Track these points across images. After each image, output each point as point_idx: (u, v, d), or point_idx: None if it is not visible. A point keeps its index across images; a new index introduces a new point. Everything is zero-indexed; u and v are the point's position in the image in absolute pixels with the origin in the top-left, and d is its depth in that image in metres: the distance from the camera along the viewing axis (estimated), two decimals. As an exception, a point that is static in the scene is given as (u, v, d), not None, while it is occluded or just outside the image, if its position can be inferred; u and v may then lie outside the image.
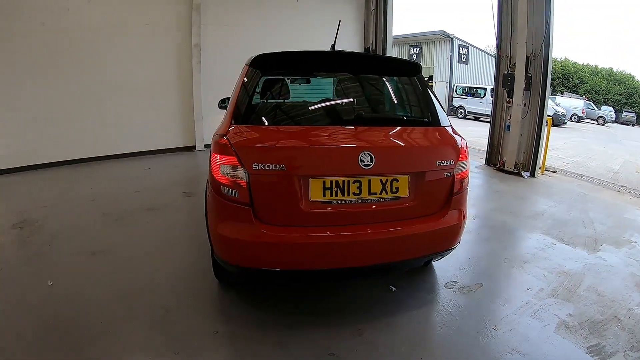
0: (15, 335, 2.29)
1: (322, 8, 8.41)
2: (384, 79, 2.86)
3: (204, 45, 7.55)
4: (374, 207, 2.23)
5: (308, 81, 3.11)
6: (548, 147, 6.86)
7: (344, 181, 2.16)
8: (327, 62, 2.69)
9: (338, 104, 2.94)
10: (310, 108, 2.75)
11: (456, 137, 2.55)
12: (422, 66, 2.90)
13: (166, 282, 2.91)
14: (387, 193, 2.23)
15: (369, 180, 2.20)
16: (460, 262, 3.35)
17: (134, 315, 2.51)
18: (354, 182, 2.18)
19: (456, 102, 21.27)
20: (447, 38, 22.65)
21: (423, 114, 2.71)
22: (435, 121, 2.60)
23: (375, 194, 2.22)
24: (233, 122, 2.30)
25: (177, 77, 7.59)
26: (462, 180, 2.52)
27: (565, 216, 4.77)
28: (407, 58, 20.58)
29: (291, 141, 2.22)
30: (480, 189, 6.04)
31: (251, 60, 2.58)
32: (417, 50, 24.29)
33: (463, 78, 23.40)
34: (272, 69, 2.59)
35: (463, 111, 20.82)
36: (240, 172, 2.10)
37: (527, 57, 6.21)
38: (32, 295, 2.70)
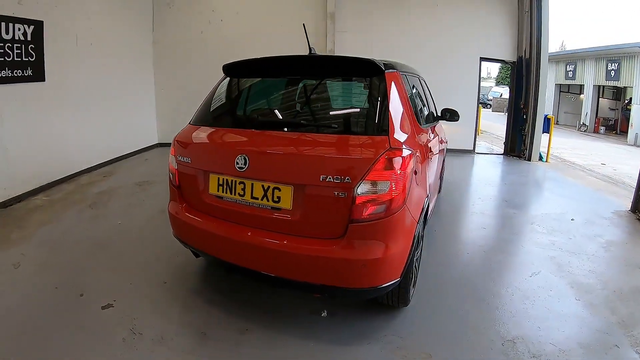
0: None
1: (464, 10, 7.41)
2: (330, 81, 2.47)
3: (339, 51, 7.52)
4: (255, 212, 2.16)
5: (267, 84, 2.79)
6: None
7: (232, 180, 2.22)
8: (277, 66, 2.56)
9: (261, 107, 2.70)
10: (235, 111, 2.69)
11: (380, 151, 1.96)
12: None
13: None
14: (268, 201, 2.12)
15: (252, 184, 2.15)
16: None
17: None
18: (239, 183, 2.20)
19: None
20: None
21: (346, 120, 2.30)
22: (368, 129, 2.12)
23: (257, 199, 2.14)
24: (190, 122, 2.63)
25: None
26: (368, 205, 1.92)
27: None
28: (604, 74, 16.83)
29: (198, 140, 2.45)
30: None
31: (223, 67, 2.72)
32: (616, 65, 19.70)
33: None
34: (233, 75, 2.70)
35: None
36: (174, 161, 2.50)
37: None
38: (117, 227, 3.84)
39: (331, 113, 2.39)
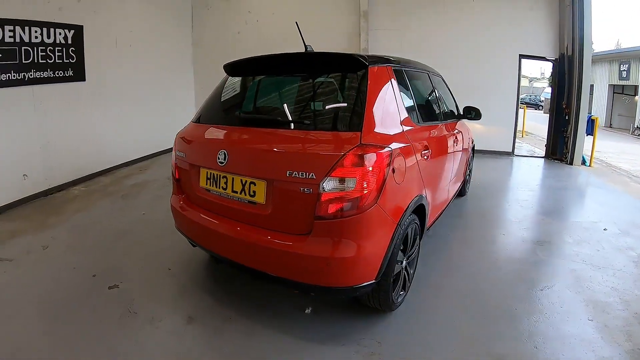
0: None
1: (503, 4, 7.02)
2: (312, 78, 2.44)
3: (373, 50, 7.46)
4: (236, 205, 2.24)
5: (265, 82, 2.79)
6: None
7: (217, 174, 2.31)
8: (263, 65, 2.60)
9: (245, 104, 2.74)
10: (223, 108, 2.74)
11: (349, 147, 1.93)
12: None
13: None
14: (245, 195, 2.19)
15: (232, 178, 2.24)
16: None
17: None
18: (222, 177, 2.28)
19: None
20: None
21: (320, 117, 2.27)
22: (340, 125, 2.11)
23: (237, 192, 2.22)
24: (192, 120, 2.74)
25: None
26: (335, 202, 1.91)
27: None
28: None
29: (191, 136, 2.58)
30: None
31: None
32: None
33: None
34: (230, 74, 2.77)
35: None
36: (174, 156, 2.67)
37: None
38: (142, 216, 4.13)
39: (307, 109, 2.37)
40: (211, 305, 2.50)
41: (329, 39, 7.50)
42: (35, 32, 4.30)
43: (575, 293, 2.72)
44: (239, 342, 2.17)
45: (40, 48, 4.39)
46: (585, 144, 6.98)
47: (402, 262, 2.37)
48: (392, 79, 2.43)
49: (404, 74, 2.72)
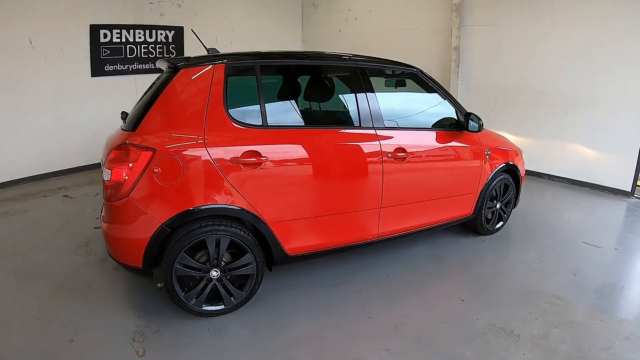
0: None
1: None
2: (163, 80, 2.61)
3: (465, 48, 6.63)
4: None
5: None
6: None
7: None
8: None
9: None
10: None
11: (118, 144, 2.32)
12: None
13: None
14: None
15: None
16: None
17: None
18: None
19: None
20: None
21: (133, 117, 2.55)
22: (132, 125, 2.44)
23: None
24: None
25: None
26: (107, 188, 2.34)
27: None
28: None
29: None
30: None
31: None
32: None
33: None
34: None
35: None
36: None
37: None
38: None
39: (140, 110, 2.55)
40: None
41: (415, 37, 7.03)
42: (139, 33, 5.82)
43: None
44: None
45: (142, 46, 5.91)
46: None
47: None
48: (219, 80, 2.41)
49: (257, 72, 2.59)
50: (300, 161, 2.59)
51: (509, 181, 3.77)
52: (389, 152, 2.87)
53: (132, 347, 2.28)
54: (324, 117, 3.14)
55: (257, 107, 2.53)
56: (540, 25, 5.74)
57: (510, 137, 5.96)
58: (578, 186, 5.63)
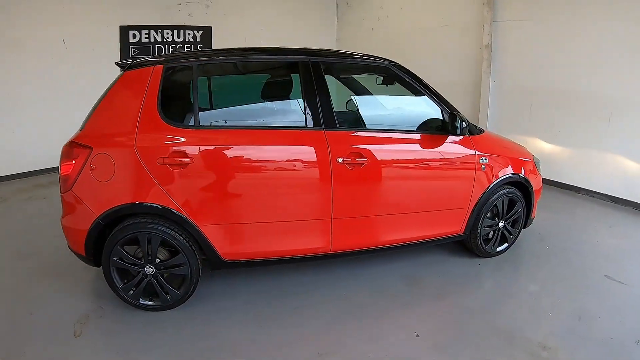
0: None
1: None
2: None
3: (498, 46, 6.12)
4: None
5: None
6: None
7: None
8: None
9: None
10: None
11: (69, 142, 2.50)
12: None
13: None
14: None
15: None
16: None
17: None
18: None
19: None
20: None
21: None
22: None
23: None
24: None
25: (463, 82, 6.66)
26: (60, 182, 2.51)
27: None
28: None
29: None
30: None
31: None
32: None
33: None
34: None
35: None
36: None
37: None
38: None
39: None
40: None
41: (445, 35, 6.62)
42: (167, 33, 6.18)
43: None
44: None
45: (171, 45, 6.26)
46: None
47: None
48: (155, 81, 2.45)
49: (194, 71, 2.56)
50: (231, 163, 2.48)
51: (517, 196, 3.21)
52: (341, 157, 2.58)
53: (73, 328, 2.44)
54: (265, 116, 2.91)
55: (190, 107, 2.53)
56: (581, 21, 5.11)
57: (545, 145, 5.32)
58: (620, 204, 4.89)
